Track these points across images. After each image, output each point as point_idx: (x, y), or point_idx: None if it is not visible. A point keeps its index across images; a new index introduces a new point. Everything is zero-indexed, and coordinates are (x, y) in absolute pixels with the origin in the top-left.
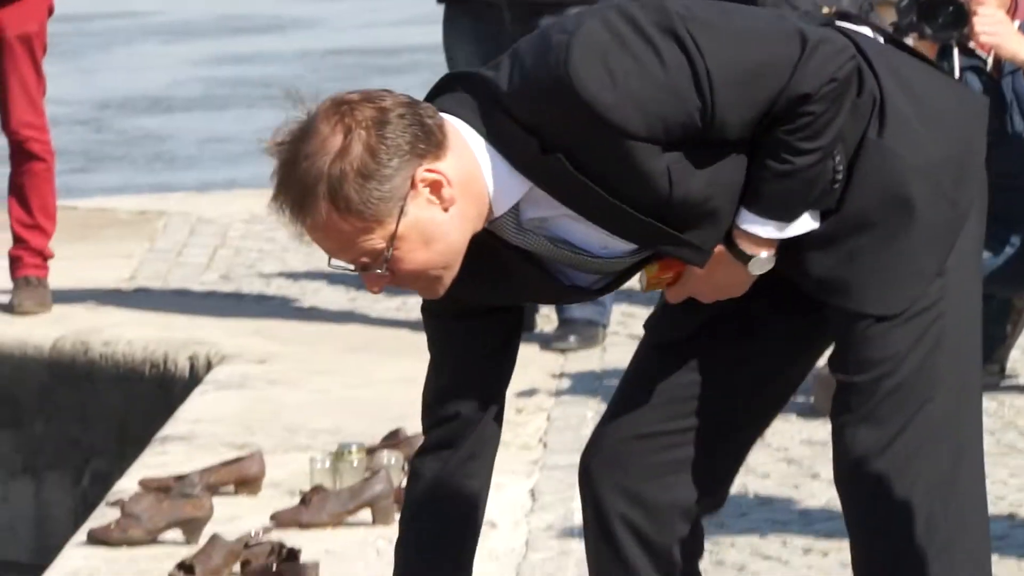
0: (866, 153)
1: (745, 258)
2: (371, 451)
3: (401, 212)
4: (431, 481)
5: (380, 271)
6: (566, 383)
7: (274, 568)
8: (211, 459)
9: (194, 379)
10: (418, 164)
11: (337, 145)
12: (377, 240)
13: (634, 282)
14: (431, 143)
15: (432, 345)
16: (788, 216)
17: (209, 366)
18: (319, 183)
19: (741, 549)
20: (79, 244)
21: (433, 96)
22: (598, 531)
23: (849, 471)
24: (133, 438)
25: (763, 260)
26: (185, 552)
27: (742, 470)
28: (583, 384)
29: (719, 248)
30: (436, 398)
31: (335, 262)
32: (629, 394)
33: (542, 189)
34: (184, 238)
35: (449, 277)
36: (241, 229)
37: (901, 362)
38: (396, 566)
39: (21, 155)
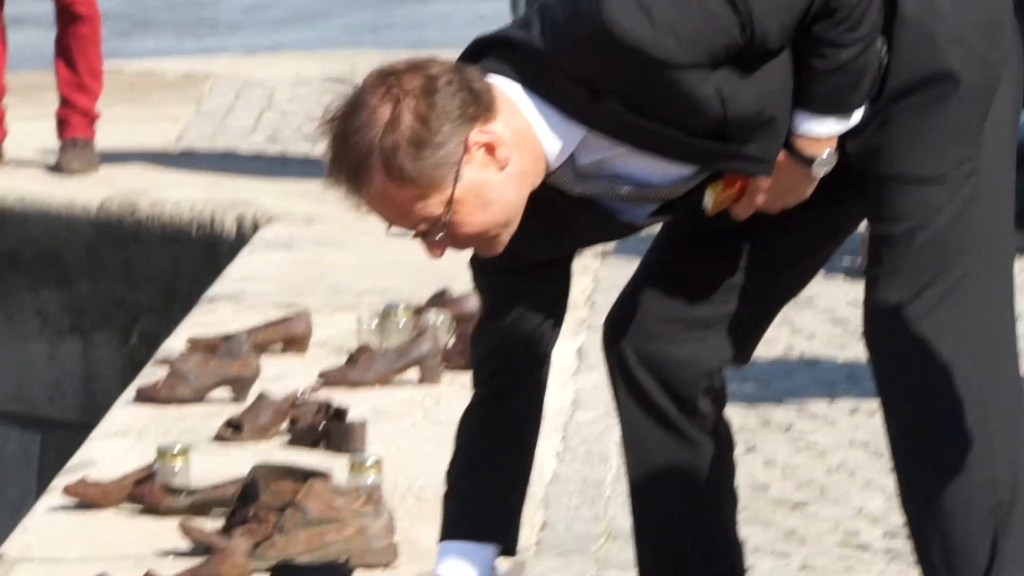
0: (898, 29)
1: (808, 160)
2: (418, 311)
3: (456, 177)
4: (482, 436)
5: (439, 236)
6: (612, 243)
7: (321, 427)
8: (258, 319)
9: (241, 239)
10: (469, 128)
11: (387, 116)
12: (434, 206)
13: None
14: (480, 106)
15: (482, 298)
16: (843, 110)
17: (256, 226)
18: (372, 155)
19: (788, 409)
20: (125, 106)
21: (469, 61)
22: (626, 389)
23: (879, 322)
24: (180, 298)
25: (825, 159)
26: (232, 410)
27: (788, 330)
28: (629, 245)
29: (781, 155)
30: (488, 352)
31: (394, 229)
32: (653, 264)
33: (598, 134)
34: (230, 101)
35: (507, 235)
36: (287, 92)
37: (936, 216)
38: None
39: (67, 16)
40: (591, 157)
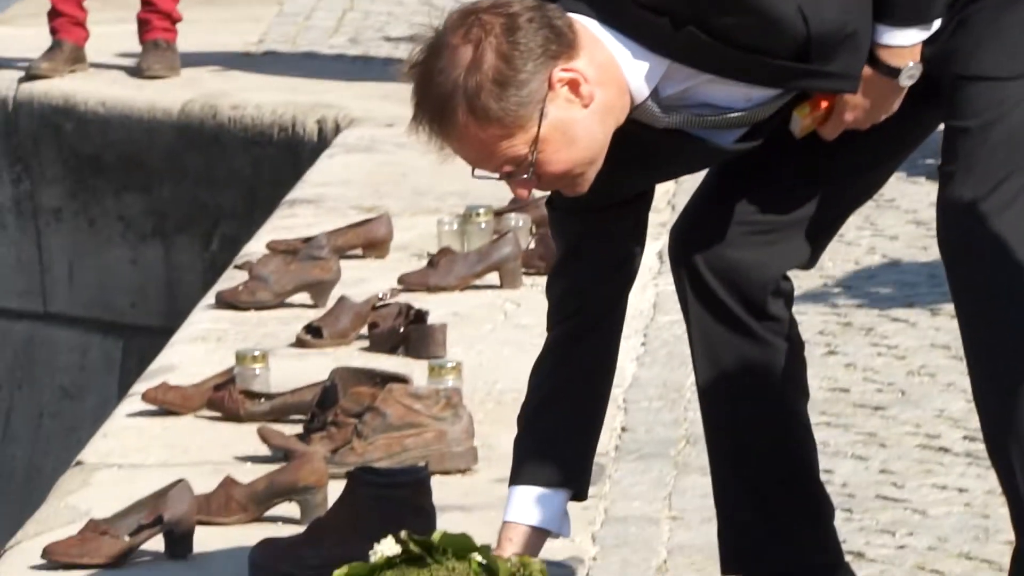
0: None
1: (894, 72)
2: (499, 213)
3: (541, 115)
4: (556, 379)
5: (526, 176)
6: None
7: (401, 330)
8: (339, 222)
9: (322, 142)
10: (553, 65)
11: (469, 57)
12: (520, 146)
13: None
14: (563, 43)
15: (559, 239)
16: (925, 17)
17: (337, 129)
18: (455, 96)
19: (869, 311)
20: (207, 8)
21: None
22: (696, 296)
23: (953, 219)
24: (261, 202)
25: (912, 69)
26: (312, 314)
27: (870, 232)
28: None
29: (866, 70)
30: (564, 294)
31: (479, 172)
32: (722, 170)
33: (681, 64)
34: (312, 1)
35: (593, 173)
36: None
37: (1011, 112)
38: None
39: None
40: (675, 88)
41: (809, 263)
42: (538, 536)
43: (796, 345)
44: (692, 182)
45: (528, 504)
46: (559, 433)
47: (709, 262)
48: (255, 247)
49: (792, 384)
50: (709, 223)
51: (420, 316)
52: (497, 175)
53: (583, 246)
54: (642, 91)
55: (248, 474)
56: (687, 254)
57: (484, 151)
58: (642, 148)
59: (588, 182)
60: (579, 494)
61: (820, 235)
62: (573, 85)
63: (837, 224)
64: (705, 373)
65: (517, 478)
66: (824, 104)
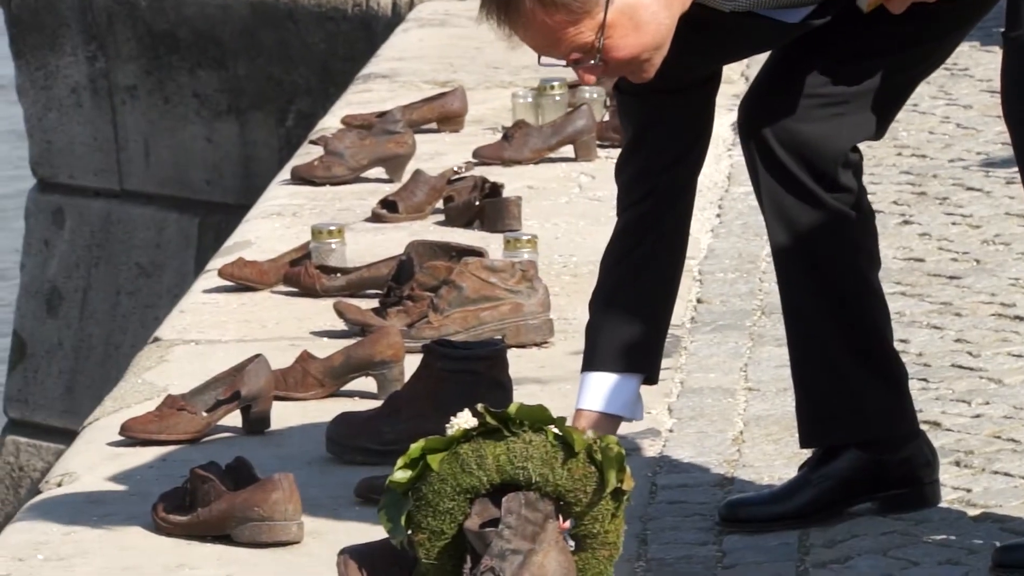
0: None
1: None
2: (573, 86)
3: (608, 0)
4: (626, 264)
5: (593, 62)
6: None
7: (477, 203)
8: (413, 96)
9: (396, 17)
10: None
11: None
12: (586, 32)
13: None
14: None
15: (627, 124)
16: None
17: (411, 4)
18: None
19: (943, 180)
20: None
21: None
22: (767, 169)
23: (1016, 86)
24: (336, 77)
25: None
26: (388, 189)
27: (944, 101)
28: None
29: None
30: (633, 178)
31: (545, 59)
32: (790, 44)
33: None
34: None
35: (659, 59)
36: None
37: None
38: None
39: None
40: None
41: (877, 134)
42: (610, 422)
43: (866, 215)
44: (765, 55)
45: (600, 391)
46: (631, 318)
47: (778, 135)
48: (330, 122)
49: (864, 254)
50: (777, 97)
51: (495, 189)
52: (564, 62)
53: (651, 131)
54: None
55: (324, 349)
56: (756, 128)
57: (551, 38)
58: (709, 31)
59: (655, 68)
60: (651, 378)
61: (888, 106)
62: None
63: (905, 95)
64: (779, 244)
65: (589, 364)
66: None
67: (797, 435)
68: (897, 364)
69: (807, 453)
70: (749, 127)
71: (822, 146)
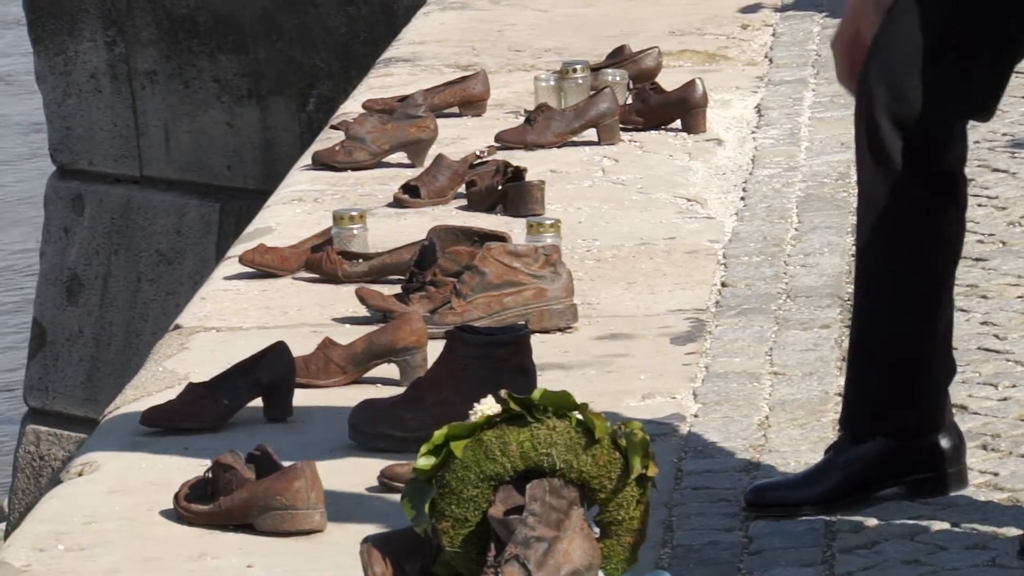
0: None
1: None
2: (595, 69)
3: None
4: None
5: None
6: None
7: (499, 187)
8: (435, 80)
9: (418, 0)
10: None
11: None
12: None
13: None
14: None
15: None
16: None
17: None
18: None
19: (969, 163)
20: None
21: None
22: (869, 146)
23: None
24: (357, 61)
25: None
26: (410, 174)
27: None
28: (806, 2)
29: None
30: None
31: None
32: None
33: None
34: None
35: None
36: None
37: None
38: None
39: None
40: None
41: (986, 116)
42: None
43: (962, 209)
44: (791, 35)
45: None
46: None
47: (889, 114)
48: (351, 107)
49: (952, 248)
50: (889, 71)
51: (518, 173)
52: None
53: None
54: None
55: (347, 335)
56: (868, 107)
57: None
58: None
59: None
60: None
61: (995, 84)
62: None
63: (1009, 72)
64: (866, 228)
65: None
66: None
67: (823, 419)
68: (951, 363)
69: (833, 437)
70: (860, 104)
71: (931, 130)
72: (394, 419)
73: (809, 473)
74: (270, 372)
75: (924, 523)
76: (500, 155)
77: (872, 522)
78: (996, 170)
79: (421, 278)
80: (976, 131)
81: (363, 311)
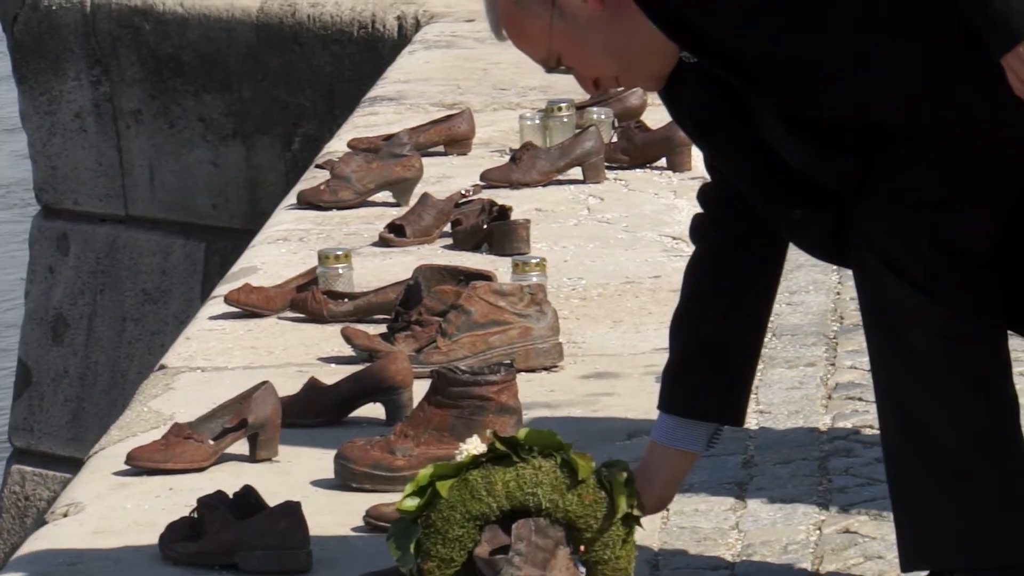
0: None
1: None
2: (580, 107)
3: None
4: (707, 287)
5: (563, 68)
6: None
7: (485, 226)
8: (420, 119)
9: (402, 39)
10: None
11: None
12: (543, 36)
13: None
14: None
15: None
16: None
17: (417, 25)
18: None
19: None
20: None
21: None
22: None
23: None
24: (342, 100)
25: None
26: (395, 212)
27: None
28: None
29: None
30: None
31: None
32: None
33: None
34: None
35: (637, 76)
36: None
37: None
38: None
39: None
40: None
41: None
42: (684, 457)
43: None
44: None
45: (672, 429)
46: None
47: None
48: (336, 146)
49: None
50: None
51: (503, 212)
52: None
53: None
54: None
55: (332, 375)
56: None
57: (524, 39)
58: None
59: (643, 81)
60: (732, 421)
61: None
62: None
63: None
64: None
65: (659, 402)
66: None
67: (809, 457)
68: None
69: (819, 475)
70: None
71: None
72: (380, 459)
73: None
74: (256, 412)
75: None
76: (485, 194)
77: (859, 560)
78: None
79: (407, 317)
80: None
81: (349, 351)
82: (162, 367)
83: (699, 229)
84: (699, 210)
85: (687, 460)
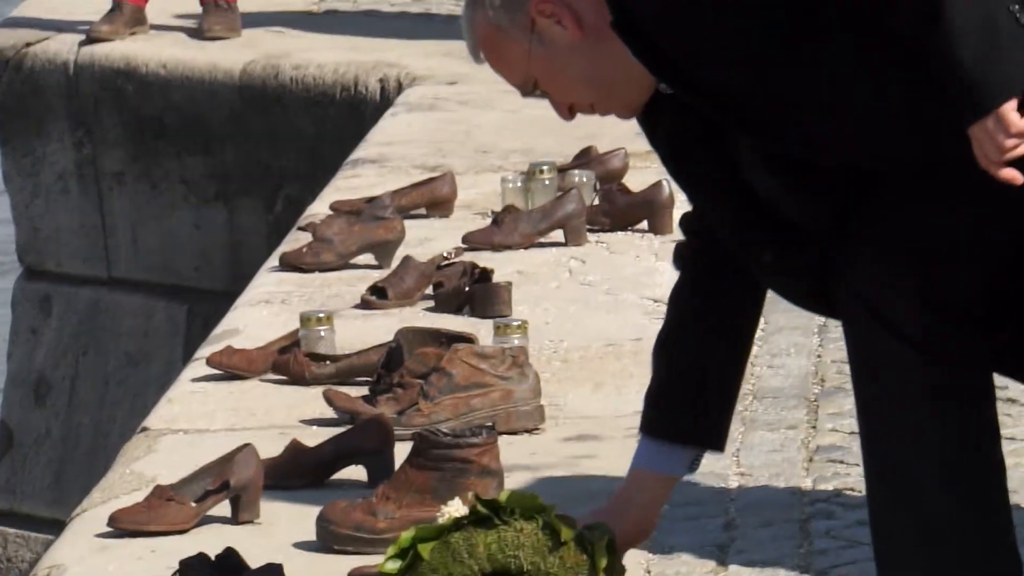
0: None
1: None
2: (562, 170)
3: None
4: (690, 314)
5: (538, 93)
6: None
7: (467, 289)
8: (402, 181)
9: (385, 101)
10: None
11: None
12: (520, 60)
13: None
14: None
15: None
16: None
17: (400, 88)
18: (477, 3)
19: None
20: None
21: None
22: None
23: None
24: (324, 162)
25: None
26: (377, 275)
27: None
28: None
29: None
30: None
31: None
32: None
33: None
34: None
35: (615, 103)
36: None
37: None
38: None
39: None
40: None
41: None
42: (663, 482)
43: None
44: None
45: (652, 454)
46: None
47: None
48: (319, 208)
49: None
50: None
51: (485, 275)
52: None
53: None
54: None
55: (314, 437)
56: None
57: (508, 65)
58: None
59: (620, 109)
60: (713, 446)
61: None
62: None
63: None
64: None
65: (641, 425)
66: None
67: (790, 519)
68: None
69: (801, 537)
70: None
71: None
72: (362, 521)
73: None
74: (238, 474)
75: None
76: (467, 256)
77: None
78: None
79: (388, 380)
80: None
81: (331, 413)
82: (144, 429)
83: (682, 256)
84: (674, 271)
85: (667, 485)
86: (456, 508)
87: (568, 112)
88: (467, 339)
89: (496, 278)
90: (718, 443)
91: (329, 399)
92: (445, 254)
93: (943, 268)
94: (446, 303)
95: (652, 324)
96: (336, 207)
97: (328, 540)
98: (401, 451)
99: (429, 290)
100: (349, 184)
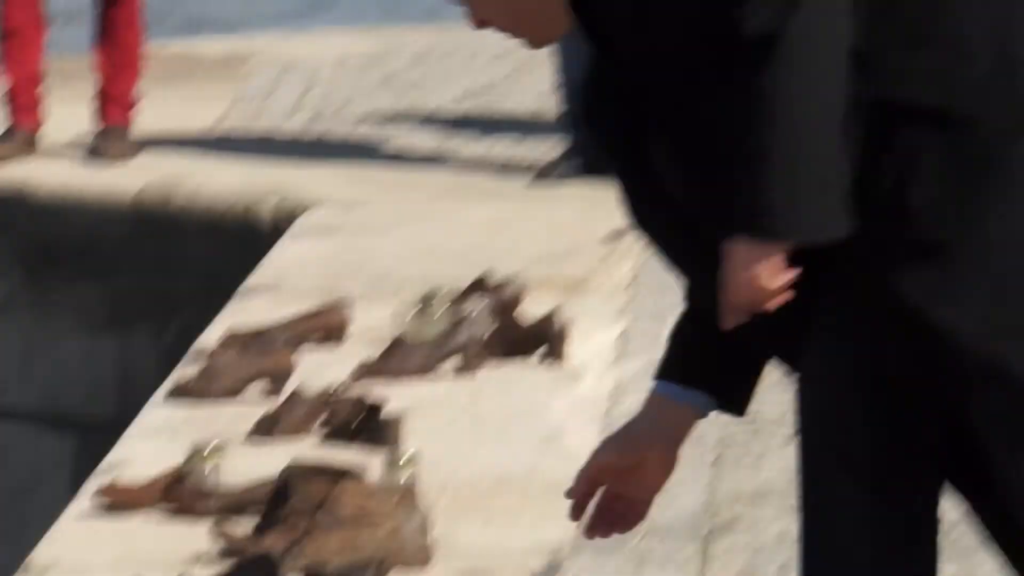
0: None
1: None
2: (457, 299)
3: None
4: None
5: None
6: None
7: (357, 422)
8: (297, 308)
9: (281, 226)
10: None
11: None
12: None
13: None
14: None
15: None
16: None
17: (296, 213)
18: None
19: None
20: (166, 86)
21: None
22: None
23: None
24: (220, 288)
25: None
26: (269, 405)
27: None
28: None
29: None
30: None
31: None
32: None
33: None
34: (272, 81)
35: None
36: (330, 71)
37: None
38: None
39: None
40: None
41: None
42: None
43: None
44: (654, 264)
45: (676, 391)
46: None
47: None
48: (211, 337)
49: None
50: None
51: (375, 408)
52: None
53: None
54: None
55: (201, 573)
56: None
57: None
58: None
59: (528, 40)
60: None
61: None
62: None
63: None
64: None
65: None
66: None
67: None
68: None
69: None
70: None
71: None
72: None
73: None
74: None
75: None
76: (361, 386)
77: None
78: None
79: (276, 515)
80: None
81: (218, 548)
82: (27, 566)
83: None
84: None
85: (687, 419)
86: None
87: (478, 24)
88: (355, 475)
89: (389, 408)
90: (739, 403)
91: (216, 534)
92: (335, 387)
93: None
94: (338, 435)
95: (543, 458)
96: (228, 337)
97: None
98: None
99: (320, 422)
100: (243, 310)
